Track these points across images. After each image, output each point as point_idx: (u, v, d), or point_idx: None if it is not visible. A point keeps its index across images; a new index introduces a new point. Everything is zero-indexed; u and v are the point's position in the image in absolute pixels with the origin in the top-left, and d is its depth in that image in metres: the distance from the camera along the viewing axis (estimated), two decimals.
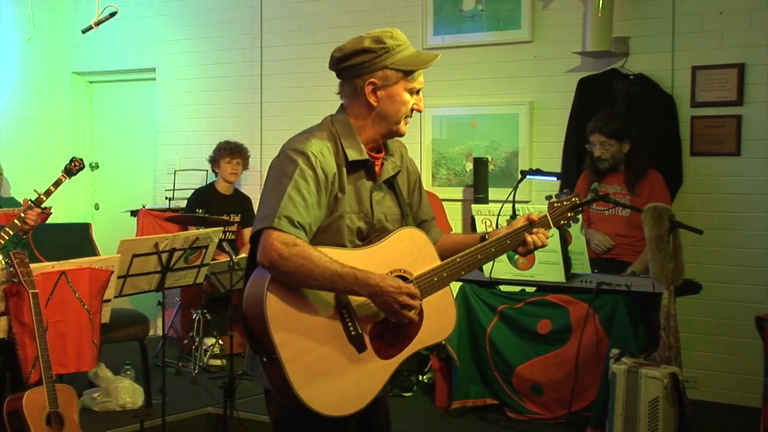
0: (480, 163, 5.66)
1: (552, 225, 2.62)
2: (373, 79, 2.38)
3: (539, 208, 4.52)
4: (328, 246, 2.30)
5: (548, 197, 2.70)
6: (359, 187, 2.41)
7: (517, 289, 4.89)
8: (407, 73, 2.39)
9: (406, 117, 2.43)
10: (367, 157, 2.41)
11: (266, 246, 2.21)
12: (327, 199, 2.33)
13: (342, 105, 2.48)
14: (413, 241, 2.43)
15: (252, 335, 2.26)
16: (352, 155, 2.38)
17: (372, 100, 2.39)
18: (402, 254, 2.39)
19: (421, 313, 2.38)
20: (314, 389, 2.21)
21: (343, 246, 2.35)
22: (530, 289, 4.85)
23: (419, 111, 2.47)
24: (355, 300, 2.29)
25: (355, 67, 2.39)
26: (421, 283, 2.38)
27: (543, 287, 4.73)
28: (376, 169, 2.46)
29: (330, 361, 2.24)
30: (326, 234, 2.34)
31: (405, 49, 2.40)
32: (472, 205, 5.05)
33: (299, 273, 2.19)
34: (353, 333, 2.28)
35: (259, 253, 2.23)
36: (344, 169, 2.37)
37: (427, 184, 5.89)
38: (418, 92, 2.44)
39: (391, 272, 2.35)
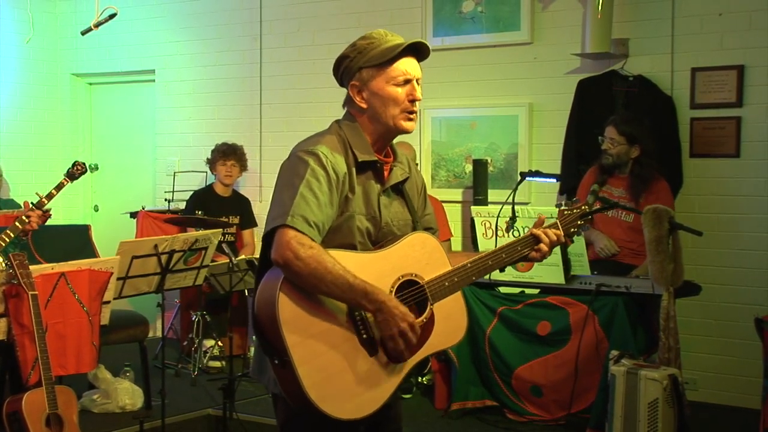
0: (479, 165, 5.65)
1: (562, 232, 2.62)
2: (353, 82, 2.42)
3: (539, 210, 4.56)
4: (339, 247, 2.31)
5: (558, 205, 2.71)
6: (368, 189, 2.42)
7: (517, 290, 4.89)
8: (380, 66, 2.38)
9: (404, 111, 2.41)
10: (376, 158, 2.42)
11: (281, 244, 2.21)
12: (338, 199, 2.33)
13: (347, 110, 2.51)
14: (424, 245, 2.44)
15: (263, 337, 2.25)
16: (362, 156, 2.39)
17: (359, 102, 2.42)
18: (413, 258, 2.40)
19: (432, 318, 2.39)
20: (326, 392, 2.20)
21: (354, 247, 2.36)
22: (530, 291, 4.85)
23: (416, 100, 2.41)
24: None
25: (342, 75, 2.46)
26: (432, 288, 2.39)
27: (543, 289, 4.73)
28: (385, 173, 2.47)
29: (342, 364, 2.24)
30: (337, 234, 2.34)
31: (379, 45, 2.39)
32: (472, 207, 5.05)
33: (311, 276, 2.19)
34: (365, 336, 2.28)
35: (274, 250, 2.22)
36: (354, 170, 2.38)
37: (426, 186, 5.88)
38: (407, 82, 2.40)
39: (402, 276, 2.36)
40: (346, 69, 2.43)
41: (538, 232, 2.55)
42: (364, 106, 2.42)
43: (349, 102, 2.47)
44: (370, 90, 2.40)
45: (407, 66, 2.40)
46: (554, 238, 2.56)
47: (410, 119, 2.43)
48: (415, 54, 2.44)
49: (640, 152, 4.79)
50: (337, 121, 2.48)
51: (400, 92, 2.40)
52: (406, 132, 2.45)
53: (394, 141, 2.53)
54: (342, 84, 2.50)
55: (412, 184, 2.58)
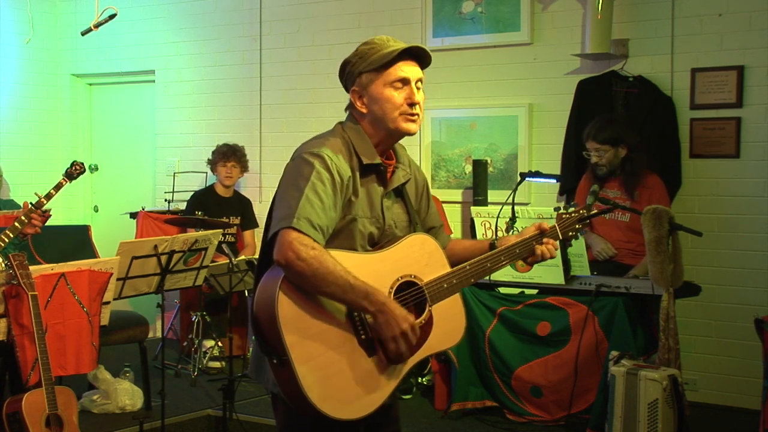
0: (479, 165, 5.65)
1: (560, 236, 2.64)
2: (354, 87, 2.44)
3: (538, 210, 4.56)
4: (340, 249, 2.31)
5: (557, 209, 2.72)
6: (371, 192, 2.43)
7: (517, 291, 4.89)
8: (378, 70, 2.38)
9: (402, 114, 2.39)
10: (380, 161, 2.43)
11: (284, 245, 2.21)
12: (342, 202, 2.34)
13: (349, 113, 2.51)
14: (424, 246, 2.44)
15: (262, 337, 2.25)
16: (366, 159, 2.40)
17: (360, 107, 2.43)
18: (413, 260, 2.40)
19: (431, 320, 2.39)
20: (324, 392, 2.20)
21: (354, 250, 2.36)
22: (530, 291, 4.85)
23: (414, 103, 2.39)
24: None
25: (345, 81, 2.48)
26: (431, 290, 2.40)
27: (542, 289, 4.73)
28: (388, 175, 2.48)
29: (340, 364, 2.24)
30: (339, 237, 2.35)
31: (380, 50, 2.39)
32: (472, 208, 5.05)
33: (313, 277, 2.19)
34: (364, 337, 2.28)
35: (276, 251, 2.23)
36: (357, 173, 2.39)
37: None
38: (405, 83, 2.39)
39: (401, 277, 2.37)
40: (348, 74, 2.45)
41: (538, 248, 2.56)
42: (364, 111, 2.42)
43: (351, 107, 2.48)
44: (369, 95, 2.40)
45: (404, 68, 2.39)
46: (547, 255, 2.57)
47: (411, 120, 2.41)
48: (417, 60, 2.43)
49: (628, 150, 4.80)
50: (340, 123, 2.48)
51: (397, 95, 2.39)
52: (409, 133, 2.43)
53: None
54: (347, 89, 2.50)
55: (413, 184, 2.59)
